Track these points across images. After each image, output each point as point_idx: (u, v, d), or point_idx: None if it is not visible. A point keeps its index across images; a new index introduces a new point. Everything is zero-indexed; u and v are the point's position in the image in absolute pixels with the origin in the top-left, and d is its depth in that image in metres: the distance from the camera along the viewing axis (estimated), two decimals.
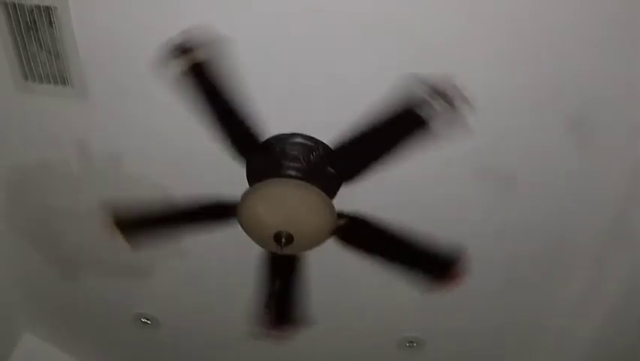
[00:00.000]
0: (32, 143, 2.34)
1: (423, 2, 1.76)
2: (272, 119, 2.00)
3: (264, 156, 2.07)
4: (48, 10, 1.87)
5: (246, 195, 1.96)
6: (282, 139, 2.06)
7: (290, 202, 1.95)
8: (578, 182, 2.22)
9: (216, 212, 2.08)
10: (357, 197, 2.12)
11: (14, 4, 1.87)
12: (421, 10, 1.77)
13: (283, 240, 1.93)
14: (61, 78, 2.06)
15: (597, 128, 2.05)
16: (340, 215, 2.05)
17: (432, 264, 2.12)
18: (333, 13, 1.80)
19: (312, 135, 2.08)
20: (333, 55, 1.90)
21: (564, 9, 1.75)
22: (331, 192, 2.10)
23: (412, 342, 3.09)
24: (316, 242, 2.07)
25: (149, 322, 3.21)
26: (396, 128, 1.83)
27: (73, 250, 2.82)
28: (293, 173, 2.03)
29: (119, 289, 3.00)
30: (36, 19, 1.90)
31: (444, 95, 1.72)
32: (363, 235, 2.09)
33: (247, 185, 2.10)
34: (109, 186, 2.45)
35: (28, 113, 2.22)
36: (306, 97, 2.02)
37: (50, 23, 1.91)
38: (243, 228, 2.03)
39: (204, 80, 1.73)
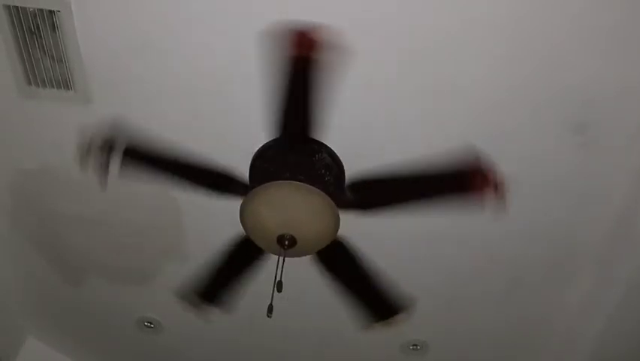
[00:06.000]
0: (35, 147, 2.35)
1: (424, 3, 1.76)
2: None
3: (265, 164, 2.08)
4: (51, 15, 1.88)
5: (249, 197, 1.96)
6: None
7: (294, 205, 1.94)
8: (581, 183, 2.22)
9: (222, 181, 2.05)
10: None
11: (17, 9, 1.87)
12: (422, 10, 1.77)
13: (286, 242, 1.93)
14: (64, 82, 2.07)
15: (599, 130, 2.05)
16: (341, 190, 2.07)
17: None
18: None
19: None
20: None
21: (566, 12, 1.75)
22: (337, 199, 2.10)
23: (415, 345, 3.08)
24: (320, 245, 2.07)
25: (151, 326, 3.21)
26: (435, 185, 1.93)
27: (76, 255, 2.82)
28: (297, 176, 2.03)
29: (122, 293, 3.00)
30: (39, 23, 1.91)
31: (493, 183, 1.81)
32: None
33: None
34: (112, 191, 2.45)
35: (31, 118, 2.23)
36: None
37: (53, 28, 1.92)
38: (245, 230, 2.03)
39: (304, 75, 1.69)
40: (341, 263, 2.19)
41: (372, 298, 2.27)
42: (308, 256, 2.13)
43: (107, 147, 2.00)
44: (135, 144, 1.96)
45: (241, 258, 2.23)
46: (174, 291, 2.56)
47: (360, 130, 2.11)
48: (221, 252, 2.22)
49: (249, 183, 2.13)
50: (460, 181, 1.90)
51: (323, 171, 2.11)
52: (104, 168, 2.04)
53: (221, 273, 2.29)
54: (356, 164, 2.08)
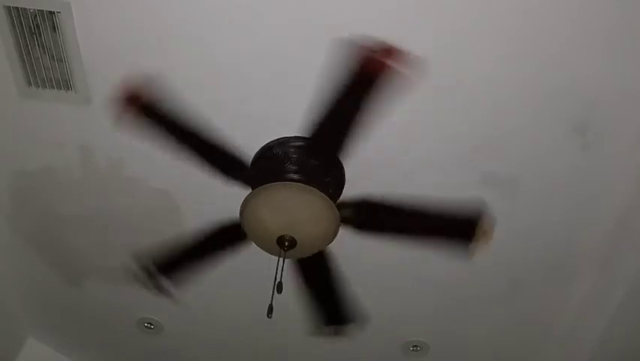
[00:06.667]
0: (36, 148, 2.34)
1: (424, 2, 1.76)
2: None
3: (268, 160, 2.08)
4: (51, 15, 1.88)
5: (248, 198, 1.96)
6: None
7: (293, 206, 1.94)
8: (582, 184, 2.22)
9: (228, 163, 2.06)
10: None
11: (17, 9, 1.88)
12: (423, 11, 1.77)
13: (286, 244, 1.93)
14: (64, 83, 2.07)
15: (600, 130, 2.05)
16: (343, 205, 2.08)
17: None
18: None
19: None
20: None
21: (567, 12, 1.75)
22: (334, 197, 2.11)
23: (416, 346, 3.07)
24: (319, 246, 2.07)
25: (152, 327, 3.21)
26: (438, 228, 2.06)
27: (77, 256, 2.82)
28: (296, 176, 2.03)
29: (123, 294, 3.00)
30: (39, 24, 1.91)
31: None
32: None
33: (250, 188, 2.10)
34: (113, 192, 2.45)
35: (31, 118, 2.23)
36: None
37: (54, 28, 1.92)
38: (245, 231, 2.03)
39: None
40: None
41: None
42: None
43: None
44: (160, 104, 1.92)
45: (220, 241, 2.23)
46: (133, 257, 2.55)
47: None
48: (198, 231, 2.22)
49: (250, 186, 2.13)
50: (461, 229, 2.05)
51: (323, 172, 2.12)
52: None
53: (189, 250, 2.28)
54: (352, 160, 2.08)
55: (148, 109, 1.87)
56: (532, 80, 1.92)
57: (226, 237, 2.19)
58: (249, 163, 2.11)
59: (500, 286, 2.66)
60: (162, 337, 3.28)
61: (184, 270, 2.35)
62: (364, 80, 1.69)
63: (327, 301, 2.36)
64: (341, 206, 2.07)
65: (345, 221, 2.07)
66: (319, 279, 2.28)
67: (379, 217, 2.11)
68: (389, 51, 1.66)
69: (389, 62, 1.65)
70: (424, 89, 1.95)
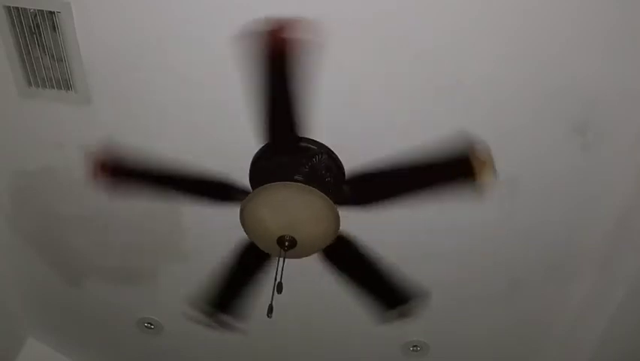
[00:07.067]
0: (36, 148, 2.35)
1: (424, 2, 1.76)
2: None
3: (269, 160, 2.08)
4: (51, 15, 1.88)
5: (249, 198, 1.96)
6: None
7: (293, 206, 1.94)
8: (582, 184, 2.22)
9: (222, 190, 2.06)
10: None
11: (18, 10, 1.88)
12: (423, 11, 1.77)
13: (286, 244, 1.93)
14: (64, 83, 2.07)
15: (600, 130, 2.05)
16: (339, 187, 2.09)
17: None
18: None
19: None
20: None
21: (567, 12, 1.75)
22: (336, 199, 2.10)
23: (416, 346, 3.07)
24: (319, 246, 2.07)
25: (152, 327, 3.21)
26: (435, 174, 1.96)
27: (77, 256, 2.82)
28: (298, 177, 2.03)
29: (123, 294, 3.00)
30: (39, 24, 1.91)
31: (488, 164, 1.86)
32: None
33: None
34: (112, 192, 2.45)
35: (31, 119, 2.23)
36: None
37: (54, 28, 1.92)
38: (245, 231, 2.03)
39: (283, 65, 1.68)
40: (348, 259, 2.19)
41: (383, 290, 2.26)
42: (309, 257, 2.14)
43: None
44: (128, 163, 2.00)
45: (248, 264, 2.23)
46: (184, 300, 2.60)
47: (360, 130, 2.11)
48: (227, 260, 2.23)
49: (250, 186, 2.13)
50: (458, 168, 1.92)
51: (323, 172, 2.11)
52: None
53: (231, 281, 2.30)
54: (354, 162, 2.08)
55: (118, 170, 1.94)
56: (532, 80, 1.92)
57: (254, 256, 2.17)
58: (239, 184, 2.10)
59: (500, 286, 2.66)
60: (162, 337, 3.28)
61: (235, 301, 2.37)
62: (277, 60, 1.66)
63: (379, 286, 2.27)
64: (339, 190, 2.07)
65: (347, 202, 2.06)
66: (357, 268, 2.22)
67: (378, 185, 2.07)
68: (284, 25, 1.62)
69: (289, 34, 1.61)
70: (424, 88, 1.96)
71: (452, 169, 1.94)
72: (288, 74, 1.68)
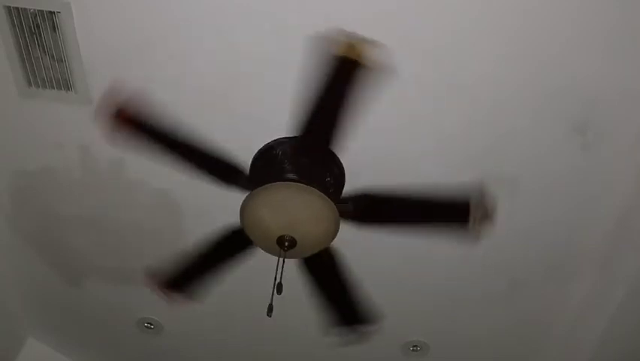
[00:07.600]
0: (36, 148, 2.34)
1: (424, 2, 1.76)
2: None
3: (267, 161, 2.08)
4: (51, 15, 1.88)
5: (248, 198, 1.96)
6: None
7: (293, 206, 1.94)
8: (581, 184, 2.22)
9: (225, 171, 2.05)
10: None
11: (17, 9, 1.88)
12: (423, 11, 1.77)
13: (286, 244, 1.93)
14: (64, 83, 2.07)
15: (600, 130, 2.05)
16: (343, 200, 2.09)
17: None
18: None
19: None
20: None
21: (567, 12, 1.75)
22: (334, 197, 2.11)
23: (416, 346, 3.07)
24: (319, 246, 2.07)
25: (152, 327, 3.21)
26: (438, 212, 2.03)
27: (77, 256, 2.82)
28: (296, 177, 2.03)
29: (123, 294, 3.00)
30: (39, 24, 1.91)
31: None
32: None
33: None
34: (112, 192, 2.45)
35: (31, 119, 2.23)
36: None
37: (54, 28, 1.92)
38: (245, 230, 2.03)
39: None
40: (324, 269, 2.21)
41: (345, 306, 2.33)
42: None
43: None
44: (149, 118, 1.92)
45: (226, 249, 2.22)
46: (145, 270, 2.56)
47: (360, 130, 2.10)
48: (208, 240, 2.21)
49: (249, 176, 2.13)
50: (461, 212, 2.00)
51: (323, 172, 2.12)
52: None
53: (200, 261, 2.28)
54: (354, 162, 2.09)
55: (135, 123, 1.88)
56: (532, 80, 1.92)
57: (232, 243, 2.18)
58: (246, 167, 2.10)
59: (500, 286, 2.66)
60: (162, 337, 3.28)
61: (196, 283, 2.35)
62: (344, 70, 1.67)
63: (340, 301, 2.32)
64: (341, 201, 2.08)
65: (346, 216, 2.06)
66: (329, 279, 2.25)
67: (379, 209, 2.09)
68: (360, 42, 1.64)
69: (363, 52, 1.63)
70: (422, 89, 1.96)
71: (455, 212, 2.02)
72: (352, 85, 1.70)
